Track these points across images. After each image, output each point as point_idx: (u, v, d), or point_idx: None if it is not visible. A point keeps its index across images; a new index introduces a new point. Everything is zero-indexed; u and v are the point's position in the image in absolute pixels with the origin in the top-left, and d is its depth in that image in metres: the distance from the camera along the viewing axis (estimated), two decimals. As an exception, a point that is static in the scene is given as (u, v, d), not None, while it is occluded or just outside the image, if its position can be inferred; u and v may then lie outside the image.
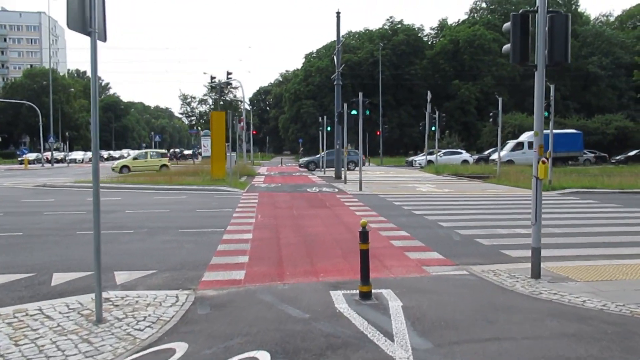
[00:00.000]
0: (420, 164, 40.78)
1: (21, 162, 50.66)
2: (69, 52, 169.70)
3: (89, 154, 74.34)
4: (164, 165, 32.84)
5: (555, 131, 46.64)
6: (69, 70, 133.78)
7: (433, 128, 33.57)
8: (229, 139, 28.99)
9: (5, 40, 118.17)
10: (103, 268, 5.42)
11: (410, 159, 47.58)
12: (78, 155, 68.18)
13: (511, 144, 40.94)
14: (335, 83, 27.49)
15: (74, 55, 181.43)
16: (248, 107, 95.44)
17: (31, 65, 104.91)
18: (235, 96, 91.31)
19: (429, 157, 41.11)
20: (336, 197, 17.20)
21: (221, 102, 62.95)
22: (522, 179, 22.10)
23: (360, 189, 19.32)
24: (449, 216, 12.60)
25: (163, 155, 35.59)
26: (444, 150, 41.38)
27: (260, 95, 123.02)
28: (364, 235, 5.91)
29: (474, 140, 61.01)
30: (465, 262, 7.72)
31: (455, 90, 67.72)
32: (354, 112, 18.90)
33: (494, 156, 39.00)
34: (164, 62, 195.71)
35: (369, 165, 47.40)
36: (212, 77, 36.85)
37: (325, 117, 32.37)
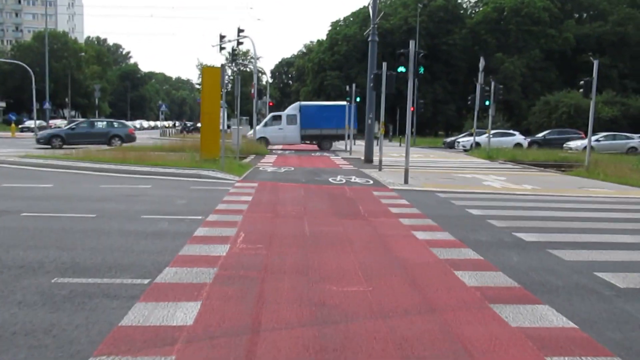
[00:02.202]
0: (464, 146, 34.52)
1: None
2: (87, 18, 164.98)
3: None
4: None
5: (317, 103, 38.83)
6: (88, 37, 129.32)
7: (487, 102, 27.28)
8: (236, 107, 23.37)
9: (20, 2, 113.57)
10: None
11: (449, 139, 41.20)
12: (82, 123, 63.20)
13: (268, 117, 32.11)
14: (369, 39, 21.45)
15: (92, 21, 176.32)
16: (262, 72, 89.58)
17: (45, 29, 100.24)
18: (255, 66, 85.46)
19: (471, 139, 34.85)
20: (373, 195, 11.38)
21: (233, 68, 57.08)
22: (627, 173, 15.99)
23: (406, 181, 13.45)
24: (601, 251, 6.70)
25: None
26: (493, 131, 34.97)
27: (282, 68, 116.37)
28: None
29: (517, 121, 54.18)
30: None
31: (497, 65, 60.47)
32: (401, 69, 12.94)
33: (572, 143, 32.55)
34: (183, 35, 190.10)
35: (400, 145, 41.31)
36: (222, 36, 31.02)
37: (354, 86, 26.37)
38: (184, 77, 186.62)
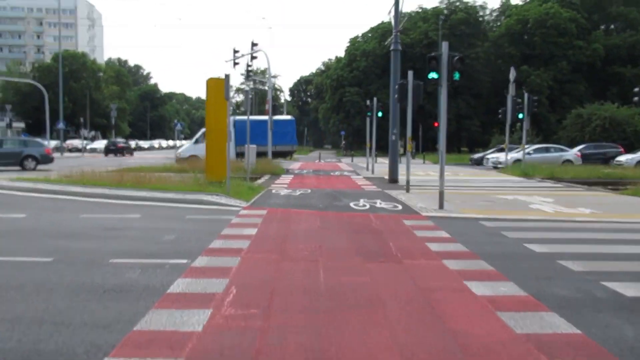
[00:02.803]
0: (494, 163, 32.23)
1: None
2: (107, 38, 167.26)
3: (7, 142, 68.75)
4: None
5: (254, 117, 30.87)
6: (110, 58, 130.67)
7: (520, 115, 25.16)
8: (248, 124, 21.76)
9: (41, 24, 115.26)
10: None
11: (477, 155, 38.88)
12: (100, 144, 62.45)
13: (199, 133, 29.45)
14: (392, 48, 19.63)
15: (112, 41, 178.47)
16: (280, 90, 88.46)
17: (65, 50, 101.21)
18: (275, 85, 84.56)
19: (511, 155, 32.59)
20: (404, 225, 9.40)
21: (250, 85, 55.81)
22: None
23: (441, 206, 11.45)
24: None
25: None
26: (534, 146, 32.64)
27: (301, 85, 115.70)
28: None
29: (546, 135, 51.59)
30: None
31: (523, 78, 58.08)
32: (432, 75, 11.03)
33: (622, 158, 30.07)
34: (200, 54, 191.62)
35: (424, 163, 39.27)
36: (236, 51, 29.66)
37: (375, 100, 24.54)
38: (203, 97, 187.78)
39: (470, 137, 62.20)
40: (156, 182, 13.86)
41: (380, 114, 24.29)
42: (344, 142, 60.32)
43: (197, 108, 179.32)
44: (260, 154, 26.92)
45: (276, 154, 28.13)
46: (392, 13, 19.89)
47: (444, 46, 11.17)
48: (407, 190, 15.45)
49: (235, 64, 30.34)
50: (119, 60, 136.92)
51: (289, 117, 31.21)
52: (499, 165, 32.16)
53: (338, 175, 23.78)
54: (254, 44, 28.57)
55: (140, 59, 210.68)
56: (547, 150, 32.89)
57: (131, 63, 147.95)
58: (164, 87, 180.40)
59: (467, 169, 30.81)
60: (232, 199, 12.15)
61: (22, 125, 76.06)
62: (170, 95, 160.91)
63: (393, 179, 19.60)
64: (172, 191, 12.72)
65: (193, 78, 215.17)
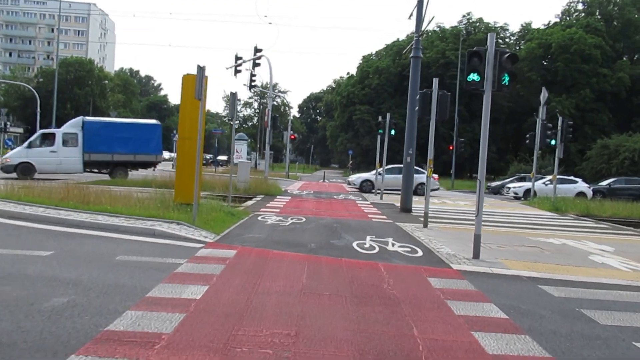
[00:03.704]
0: (515, 193, 29.16)
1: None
2: (120, 49, 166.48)
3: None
4: None
5: (109, 119, 29.28)
6: (121, 68, 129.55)
7: (552, 142, 22.16)
8: (259, 140, 18.90)
9: (52, 30, 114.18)
10: None
11: (495, 184, 35.77)
12: (97, 152, 59.93)
13: (35, 135, 24.08)
14: (411, 55, 16.80)
15: (125, 52, 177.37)
16: (289, 107, 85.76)
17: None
18: (284, 100, 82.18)
19: (526, 185, 29.56)
20: (432, 288, 6.31)
21: (256, 99, 53.21)
22: None
23: (477, 255, 8.40)
24: None
25: None
26: (549, 177, 29.63)
27: (311, 102, 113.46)
28: None
29: (567, 166, 48.42)
30: None
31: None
32: (473, 76, 8.10)
33: None
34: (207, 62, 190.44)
35: (438, 189, 36.17)
36: (238, 57, 26.99)
37: (388, 116, 21.64)
38: (213, 111, 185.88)
39: (486, 164, 59.01)
40: (108, 202, 10.92)
41: (393, 132, 21.37)
42: (351, 162, 57.42)
43: (206, 121, 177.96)
44: (121, 164, 23.23)
45: (135, 165, 23.93)
46: (414, 15, 17.10)
47: (490, 38, 8.26)
48: (425, 224, 12.42)
49: (237, 71, 27.59)
50: (130, 70, 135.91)
51: (153, 121, 26.54)
52: (518, 195, 29.16)
53: (342, 199, 20.79)
54: (257, 50, 25.91)
55: (153, 71, 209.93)
56: (560, 181, 29.78)
57: (142, 74, 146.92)
58: (175, 99, 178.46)
59: (486, 199, 27.61)
60: (197, 229, 9.19)
61: (19, 130, 74.05)
62: (179, 108, 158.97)
63: (406, 208, 16.60)
64: (123, 215, 9.77)
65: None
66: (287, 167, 41.09)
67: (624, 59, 60.84)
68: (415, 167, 30.09)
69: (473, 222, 13.87)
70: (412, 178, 16.97)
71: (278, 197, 19.63)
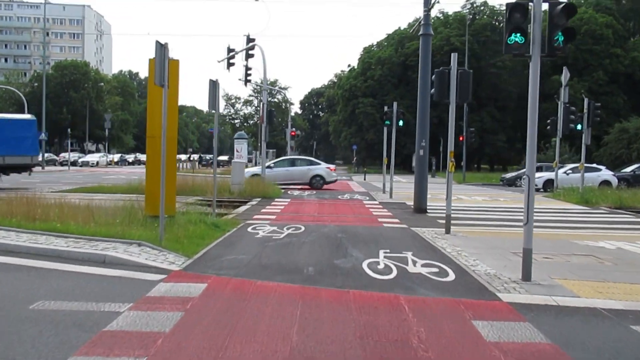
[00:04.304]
0: (535, 185, 27.03)
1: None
2: (116, 50, 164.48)
3: (112, 157, 64.86)
4: None
5: None
6: (121, 71, 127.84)
7: (579, 127, 20.05)
8: (260, 138, 16.96)
9: (48, 34, 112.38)
10: None
11: (509, 175, 33.45)
12: (93, 157, 58.11)
13: None
14: (420, 33, 14.68)
15: (121, 53, 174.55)
16: (290, 103, 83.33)
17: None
18: (284, 97, 79.93)
19: (546, 175, 27.42)
20: (482, 341, 4.28)
21: (256, 97, 51.13)
22: None
23: (527, 276, 6.34)
24: None
25: None
26: (570, 166, 27.50)
27: (312, 98, 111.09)
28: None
29: (575, 152, 46.14)
30: None
31: (554, 88, 52.79)
32: (515, 37, 6.04)
33: None
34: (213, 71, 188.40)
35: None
36: (230, 49, 24.95)
37: (395, 105, 19.55)
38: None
39: (495, 154, 56.79)
40: (61, 217, 8.91)
41: (401, 123, 19.29)
42: (355, 157, 55.31)
43: (207, 121, 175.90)
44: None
45: (4, 169, 19.95)
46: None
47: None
48: (447, 230, 10.37)
49: (230, 64, 25.52)
50: (130, 72, 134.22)
51: (27, 116, 22.63)
52: (538, 187, 27.02)
53: (347, 199, 18.75)
54: (249, 39, 23.81)
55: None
56: (585, 169, 27.46)
57: (142, 76, 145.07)
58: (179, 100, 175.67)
59: (504, 192, 25.56)
60: (163, 251, 7.19)
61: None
62: (181, 109, 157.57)
63: (420, 208, 14.54)
64: (73, 235, 7.79)
65: (205, 90, 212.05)
66: (289, 165, 39.05)
67: (637, 37, 58.39)
68: (309, 158, 26.64)
69: (501, 223, 11.75)
70: (425, 174, 14.88)
71: (276, 200, 17.62)
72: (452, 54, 10.28)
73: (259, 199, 17.55)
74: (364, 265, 7.01)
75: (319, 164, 24.96)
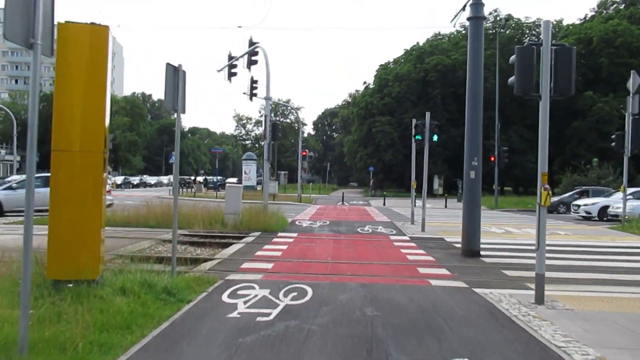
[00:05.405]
0: (588, 212, 22.97)
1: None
2: (128, 71, 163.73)
3: (114, 179, 61.77)
4: None
5: None
6: (134, 93, 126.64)
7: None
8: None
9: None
10: None
11: (558, 199, 28.49)
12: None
13: None
14: (469, 16, 11.01)
15: (134, 74, 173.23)
16: (303, 123, 79.78)
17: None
18: (297, 117, 76.70)
19: (601, 201, 23.35)
20: None
21: (265, 114, 47.60)
22: None
23: None
24: None
25: None
26: (632, 190, 23.37)
27: (326, 119, 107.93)
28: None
29: (630, 175, 41.88)
30: None
31: (587, 105, 49.09)
32: None
33: None
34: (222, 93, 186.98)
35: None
36: (231, 57, 21.57)
37: (428, 116, 15.82)
38: (228, 132, 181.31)
39: (524, 176, 52.43)
40: None
41: (436, 138, 15.52)
42: (372, 180, 51.48)
43: (220, 143, 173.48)
44: None
45: None
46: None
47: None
48: (540, 299, 6.49)
49: (232, 74, 22.15)
50: (143, 95, 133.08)
51: None
52: (592, 215, 23.00)
53: (369, 233, 14.92)
54: (252, 42, 20.39)
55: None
56: (636, 195, 23.22)
57: (155, 97, 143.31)
58: (189, 122, 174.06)
59: (554, 222, 21.40)
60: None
61: (17, 158, 69.84)
62: (194, 130, 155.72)
63: (472, 250, 10.66)
64: None
65: (218, 112, 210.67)
66: (300, 189, 35.33)
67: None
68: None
69: (599, 277, 7.87)
70: (478, 203, 11.03)
71: (280, 234, 13.87)
72: (543, 21, 6.56)
73: (258, 233, 13.83)
74: None
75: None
